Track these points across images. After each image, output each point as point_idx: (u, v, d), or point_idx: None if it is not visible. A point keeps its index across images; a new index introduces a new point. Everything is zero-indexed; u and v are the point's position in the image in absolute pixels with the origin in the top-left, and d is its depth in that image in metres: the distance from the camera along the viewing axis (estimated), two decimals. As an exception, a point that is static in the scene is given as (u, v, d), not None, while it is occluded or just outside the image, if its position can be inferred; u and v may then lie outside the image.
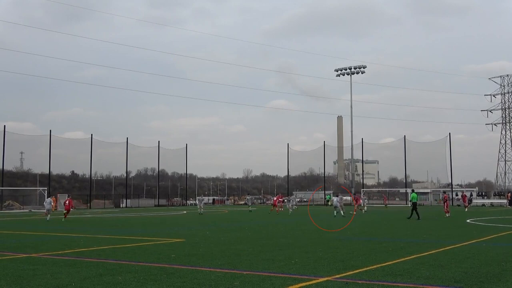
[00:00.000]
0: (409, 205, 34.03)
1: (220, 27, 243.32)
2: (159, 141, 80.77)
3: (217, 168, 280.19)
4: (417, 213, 32.00)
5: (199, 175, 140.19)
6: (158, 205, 77.83)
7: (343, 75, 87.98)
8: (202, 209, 45.29)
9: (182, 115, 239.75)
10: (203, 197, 50.74)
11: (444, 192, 53.06)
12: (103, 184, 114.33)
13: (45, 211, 36.52)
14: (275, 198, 46.43)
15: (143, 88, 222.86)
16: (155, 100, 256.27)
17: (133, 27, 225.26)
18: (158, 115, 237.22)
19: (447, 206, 36.03)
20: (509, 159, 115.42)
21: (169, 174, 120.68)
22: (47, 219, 34.47)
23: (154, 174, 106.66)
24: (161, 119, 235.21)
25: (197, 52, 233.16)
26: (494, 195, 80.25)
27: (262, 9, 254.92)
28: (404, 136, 79.99)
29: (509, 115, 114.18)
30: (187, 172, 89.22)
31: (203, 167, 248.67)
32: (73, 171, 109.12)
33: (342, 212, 36.10)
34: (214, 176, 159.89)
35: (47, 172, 69.92)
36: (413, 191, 35.62)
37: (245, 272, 10.41)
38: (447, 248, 15.00)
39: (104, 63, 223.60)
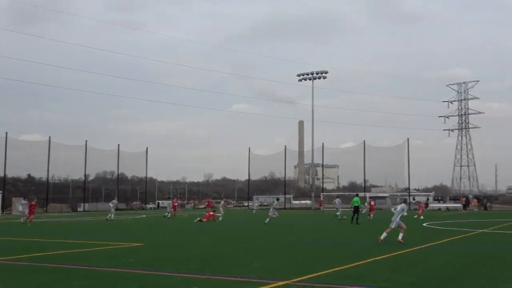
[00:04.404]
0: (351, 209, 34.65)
1: (182, 31, 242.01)
2: (118, 144, 79.73)
3: (178, 172, 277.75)
4: (357, 217, 32.08)
5: (159, 179, 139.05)
6: (117, 209, 76.67)
7: (305, 80, 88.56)
8: (112, 215, 40.51)
9: (143, 118, 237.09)
10: (116, 201, 47.54)
11: (418, 201, 56.60)
12: (61, 187, 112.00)
13: (21, 214, 35.34)
14: (173, 201, 46.60)
15: (104, 90, 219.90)
16: (116, 103, 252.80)
17: (94, 29, 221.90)
18: (119, 118, 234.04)
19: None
20: (465, 165, 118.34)
21: (129, 177, 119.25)
22: (22, 221, 33.80)
23: (114, 177, 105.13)
24: (122, 122, 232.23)
25: (159, 55, 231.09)
26: (449, 200, 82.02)
27: (225, 14, 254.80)
28: (364, 141, 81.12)
29: (465, 121, 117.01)
30: (147, 176, 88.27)
31: (163, 170, 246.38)
32: (29, 174, 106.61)
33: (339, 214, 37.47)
34: (175, 179, 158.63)
35: (2, 175, 68.14)
36: (357, 195, 35.84)
37: (204, 277, 10.39)
38: (403, 251, 15.27)
39: (64, 65, 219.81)
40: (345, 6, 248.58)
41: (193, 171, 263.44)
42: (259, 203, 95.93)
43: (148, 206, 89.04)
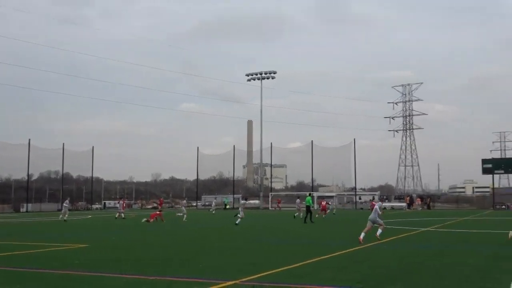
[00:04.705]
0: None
1: (130, 28, 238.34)
2: (63, 143, 77.90)
3: (125, 171, 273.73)
4: (310, 217, 32.61)
5: (106, 178, 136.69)
6: (62, 210, 74.95)
7: (254, 79, 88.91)
8: (66, 215, 40.08)
9: (89, 117, 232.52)
10: (68, 201, 46.57)
11: (372, 199, 59.79)
12: (2, 187, 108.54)
13: None
14: (121, 202, 46.21)
15: (48, 88, 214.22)
16: (61, 101, 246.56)
17: (36, 24, 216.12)
18: (64, 117, 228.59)
19: (323, 210, 41.13)
20: (409, 164, 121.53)
21: (74, 177, 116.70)
22: None
23: (58, 177, 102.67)
24: (67, 120, 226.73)
25: (105, 52, 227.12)
26: (394, 199, 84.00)
27: (173, 12, 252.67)
28: (312, 141, 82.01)
29: (409, 122, 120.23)
30: (93, 175, 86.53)
31: (110, 170, 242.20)
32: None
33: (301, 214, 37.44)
34: (122, 179, 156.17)
35: None
36: (309, 195, 36.57)
37: (151, 278, 10.28)
38: (349, 250, 15.54)
39: (4, 60, 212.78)
40: (292, 7, 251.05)
41: (140, 171, 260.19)
42: (207, 203, 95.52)
43: (94, 206, 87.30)
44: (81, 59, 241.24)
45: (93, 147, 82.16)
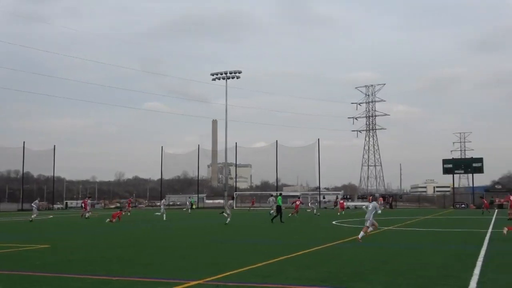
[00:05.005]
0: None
1: (93, 26, 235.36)
2: (24, 142, 76.36)
3: (88, 171, 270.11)
4: (281, 216, 32.78)
5: (68, 178, 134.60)
6: (22, 210, 73.44)
7: (219, 79, 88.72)
8: (34, 215, 38.95)
9: (51, 115, 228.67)
10: (38, 201, 46.05)
11: (337, 197, 62.25)
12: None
13: None
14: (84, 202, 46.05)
15: (7, 85, 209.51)
16: (21, 99, 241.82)
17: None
18: (24, 115, 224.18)
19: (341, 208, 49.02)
20: (372, 164, 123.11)
21: (35, 176, 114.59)
22: None
23: (18, 176, 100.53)
24: (28, 119, 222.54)
25: (67, 50, 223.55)
26: (357, 198, 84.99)
27: (137, 11, 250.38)
28: (276, 141, 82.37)
29: (372, 123, 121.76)
30: (55, 175, 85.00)
31: (72, 169, 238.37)
32: None
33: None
34: (84, 179, 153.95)
35: None
36: (280, 194, 36.94)
37: (115, 278, 10.16)
38: (314, 249, 15.66)
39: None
40: (257, 7, 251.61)
41: (103, 170, 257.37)
42: (171, 203, 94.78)
43: (56, 206, 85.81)
44: (41, 56, 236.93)
45: (54, 146, 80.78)
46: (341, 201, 53.57)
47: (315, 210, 50.04)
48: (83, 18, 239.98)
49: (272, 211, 40.48)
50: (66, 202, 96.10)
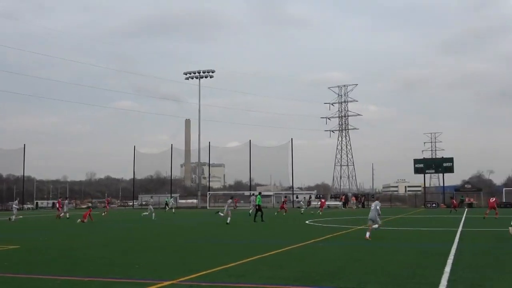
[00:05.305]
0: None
1: (62, 22, 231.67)
2: (-8, 141, 74.98)
3: (58, 170, 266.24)
4: (261, 215, 32.92)
5: (38, 178, 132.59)
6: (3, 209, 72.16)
7: (192, 78, 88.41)
8: (14, 216, 38.68)
9: (20, 113, 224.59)
10: (17, 202, 45.65)
11: (322, 196, 64.30)
12: None
13: None
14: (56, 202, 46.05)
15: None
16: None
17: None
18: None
19: (322, 207, 48.66)
20: (344, 164, 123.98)
21: (4, 176, 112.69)
22: None
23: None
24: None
25: (36, 47, 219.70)
26: (330, 198, 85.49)
27: (108, 8, 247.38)
28: (250, 140, 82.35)
29: (345, 123, 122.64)
30: (25, 174, 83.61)
31: (42, 169, 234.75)
32: None
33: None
34: (55, 178, 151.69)
35: None
36: (260, 193, 37.23)
37: (86, 279, 10.03)
38: (287, 248, 15.69)
39: None
40: (229, 7, 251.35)
41: (74, 170, 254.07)
42: (144, 202, 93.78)
43: (26, 206, 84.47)
44: (10, 53, 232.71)
45: (24, 145, 79.42)
46: (323, 200, 53.70)
47: (302, 210, 50.72)
48: (51, 15, 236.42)
49: (251, 210, 40.58)
50: (37, 202, 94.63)
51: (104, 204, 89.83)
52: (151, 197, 69.95)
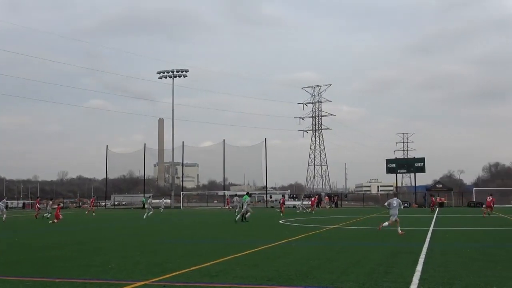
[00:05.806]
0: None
1: (33, 20, 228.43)
2: (-39, 140, 73.50)
3: (29, 170, 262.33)
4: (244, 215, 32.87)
5: (8, 177, 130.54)
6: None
7: (166, 77, 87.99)
8: (4, 215, 38.72)
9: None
10: (5, 200, 45.36)
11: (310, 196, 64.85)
12: None
13: None
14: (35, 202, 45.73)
15: None
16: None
17: None
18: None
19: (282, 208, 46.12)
20: (318, 164, 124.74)
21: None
22: None
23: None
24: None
25: (6, 45, 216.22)
26: (304, 197, 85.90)
27: (80, 6, 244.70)
28: (224, 140, 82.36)
29: (318, 123, 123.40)
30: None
31: (12, 168, 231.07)
32: None
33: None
34: (25, 178, 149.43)
35: None
36: (247, 193, 37.05)
37: (57, 280, 9.90)
38: (261, 248, 15.71)
39: None
40: (204, 6, 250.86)
41: (45, 169, 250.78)
42: (117, 202, 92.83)
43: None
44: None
45: (-6, 144, 78.01)
46: (281, 200, 50.11)
47: (300, 209, 51.41)
48: (22, 12, 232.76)
49: (237, 210, 40.50)
50: (7, 202, 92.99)
51: (86, 204, 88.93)
52: (150, 196, 69.46)
